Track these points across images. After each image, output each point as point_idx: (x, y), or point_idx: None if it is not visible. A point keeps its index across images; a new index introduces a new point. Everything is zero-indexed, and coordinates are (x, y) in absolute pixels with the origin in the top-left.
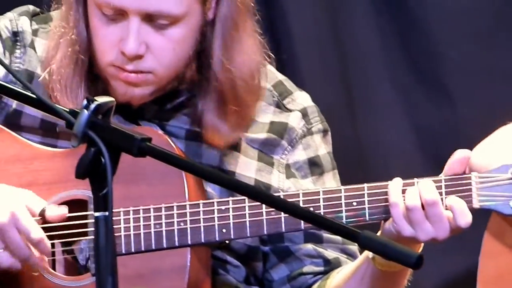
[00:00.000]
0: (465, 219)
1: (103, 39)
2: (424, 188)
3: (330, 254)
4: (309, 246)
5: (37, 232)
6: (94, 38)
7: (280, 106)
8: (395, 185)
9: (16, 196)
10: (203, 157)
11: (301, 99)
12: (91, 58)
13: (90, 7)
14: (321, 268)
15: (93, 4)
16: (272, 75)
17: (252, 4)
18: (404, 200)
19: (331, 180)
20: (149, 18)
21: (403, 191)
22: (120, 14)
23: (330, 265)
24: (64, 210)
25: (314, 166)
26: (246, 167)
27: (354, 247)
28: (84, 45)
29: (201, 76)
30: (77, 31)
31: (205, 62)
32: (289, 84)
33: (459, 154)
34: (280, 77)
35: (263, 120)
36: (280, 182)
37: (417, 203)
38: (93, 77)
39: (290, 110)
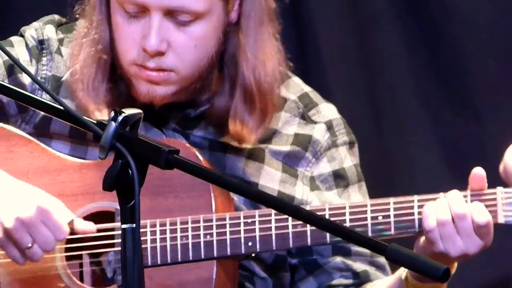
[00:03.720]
0: (483, 217)
1: (125, 37)
2: (454, 202)
3: (359, 266)
4: (338, 259)
5: (66, 229)
6: (116, 37)
7: (305, 117)
8: (430, 209)
9: (46, 195)
10: (227, 168)
11: (327, 111)
12: (114, 59)
13: (113, 5)
14: (350, 281)
15: (116, 2)
16: (297, 87)
17: (274, 6)
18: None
19: (356, 193)
20: (171, 14)
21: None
22: (142, 11)
23: (359, 278)
24: (92, 226)
25: (339, 178)
26: (270, 178)
27: (383, 259)
28: (107, 44)
29: (225, 77)
30: (99, 30)
31: (229, 63)
32: (315, 95)
33: (478, 172)
34: (306, 89)
35: (287, 132)
36: (304, 195)
37: (448, 217)
38: (116, 78)
39: (315, 122)
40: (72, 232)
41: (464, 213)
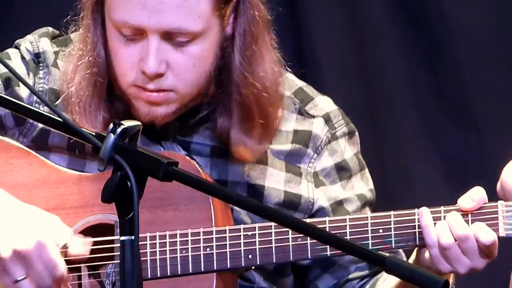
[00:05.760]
0: (488, 236)
1: (123, 60)
2: (454, 223)
3: None
4: None
5: (62, 267)
6: (114, 60)
7: (302, 113)
8: (428, 221)
9: (44, 223)
10: (230, 174)
11: (323, 104)
12: (111, 79)
13: (109, 29)
14: (366, 272)
15: (112, 26)
16: (291, 82)
17: (269, 18)
18: (438, 239)
19: (359, 182)
20: (168, 36)
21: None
22: (139, 34)
23: (374, 267)
24: (85, 250)
25: (342, 170)
26: (275, 179)
27: None
28: (103, 67)
29: (222, 91)
30: (95, 53)
31: (226, 77)
32: (309, 89)
33: (477, 194)
34: (300, 83)
35: (286, 129)
36: (310, 192)
37: (451, 240)
38: (114, 98)
39: (313, 116)
40: (66, 255)
41: (466, 235)
